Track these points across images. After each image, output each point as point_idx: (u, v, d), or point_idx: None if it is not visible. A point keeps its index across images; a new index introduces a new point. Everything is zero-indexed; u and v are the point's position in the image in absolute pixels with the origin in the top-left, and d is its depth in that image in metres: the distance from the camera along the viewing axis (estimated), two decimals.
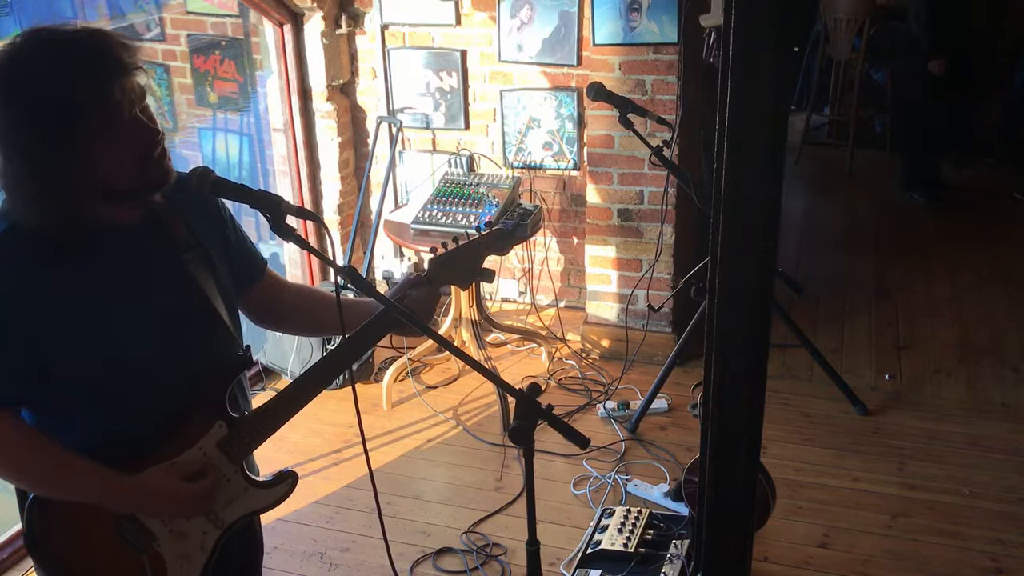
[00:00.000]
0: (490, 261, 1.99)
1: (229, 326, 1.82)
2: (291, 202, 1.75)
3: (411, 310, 1.83)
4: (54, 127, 1.54)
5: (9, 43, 1.58)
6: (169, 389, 1.73)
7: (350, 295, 3.91)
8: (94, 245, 1.64)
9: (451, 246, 1.92)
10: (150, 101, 1.64)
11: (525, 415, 1.75)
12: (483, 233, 1.94)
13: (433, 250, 1.94)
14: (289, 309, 2.04)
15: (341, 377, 4.04)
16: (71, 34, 1.59)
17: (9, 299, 1.59)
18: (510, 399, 2.41)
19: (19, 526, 3.05)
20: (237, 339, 1.86)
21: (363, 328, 1.85)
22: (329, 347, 3.83)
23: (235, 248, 1.91)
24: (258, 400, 1.94)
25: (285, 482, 1.86)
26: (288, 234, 1.69)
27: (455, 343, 3.67)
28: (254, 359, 1.85)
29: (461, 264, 1.93)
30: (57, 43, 1.57)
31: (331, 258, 1.70)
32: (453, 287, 3.89)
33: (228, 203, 1.89)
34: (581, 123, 4.18)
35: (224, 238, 1.88)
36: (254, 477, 1.84)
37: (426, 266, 1.95)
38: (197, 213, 1.81)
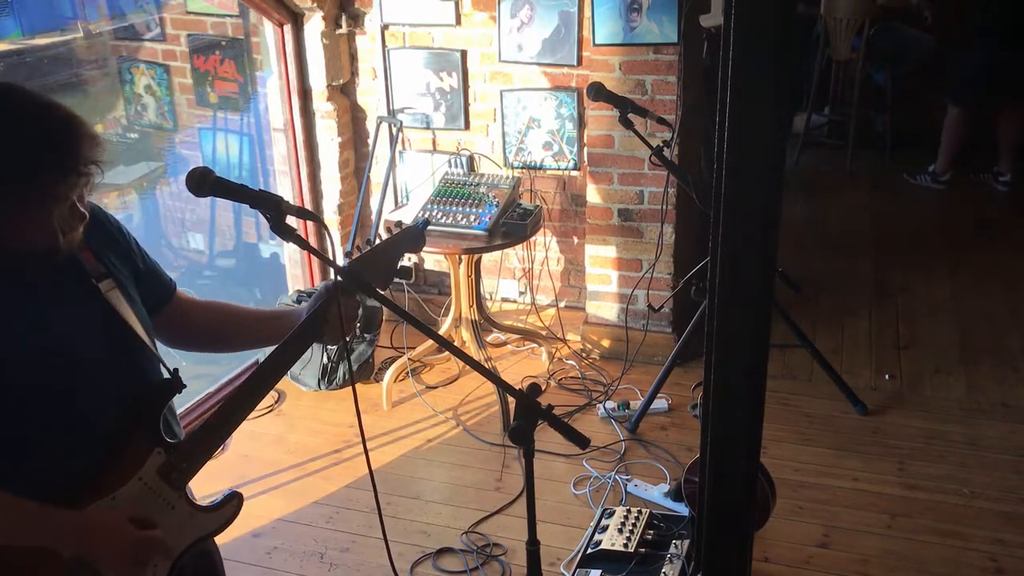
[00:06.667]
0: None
1: (152, 351, 1.79)
2: (291, 202, 1.75)
3: (329, 319, 1.83)
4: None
5: None
6: (98, 419, 1.68)
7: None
8: (3, 276, 1.59)
9: (366, 248, 1.96)
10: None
11: (525, 415, 1.75)
12: (394, 233, 2.04)
13: (348, 254, 2.00)
14: (200, 329, 2.02)
15: (341, 377, 4.09)
16: (44, 107, 1.58)
17: None
18: (510, 399, 2.41)
19: None
20: (162, 363, 1.82)
21: (288, 340, 1.83)
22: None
23: (143, 274, 1.88)
24: None
25: (231, 504, 1.82)
26: (288, 234, 1.69)
27: (455, 343, 3.68)
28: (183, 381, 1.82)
29: (378, 264, 1.97)
30: (29, 113, 1.56)
31: (331, 258, 1.71)
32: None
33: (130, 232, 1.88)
34: (581, 123, 4.18)
35: (133, 265, 1.85)
36: (198, 502, 1.80)
37: (335, 275, 1.92)
38: (104, 243, 1.79)
